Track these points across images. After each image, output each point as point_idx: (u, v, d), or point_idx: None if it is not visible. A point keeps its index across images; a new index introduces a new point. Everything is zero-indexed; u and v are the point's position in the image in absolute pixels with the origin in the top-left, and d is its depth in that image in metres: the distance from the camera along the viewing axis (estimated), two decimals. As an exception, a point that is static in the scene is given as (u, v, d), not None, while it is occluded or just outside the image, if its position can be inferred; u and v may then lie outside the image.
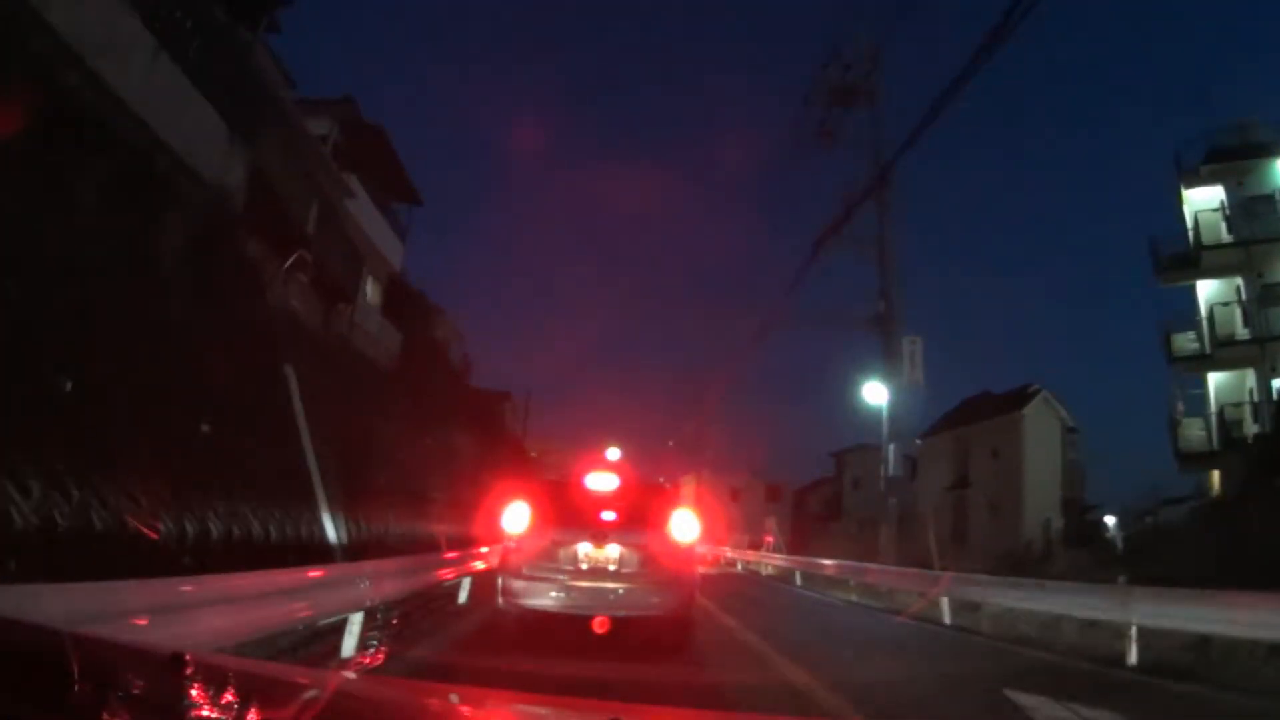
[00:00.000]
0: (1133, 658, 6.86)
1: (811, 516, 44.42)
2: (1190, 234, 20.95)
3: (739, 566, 27.28)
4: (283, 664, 3.10)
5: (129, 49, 9.02)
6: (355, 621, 5.33)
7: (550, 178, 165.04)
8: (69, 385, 5.49)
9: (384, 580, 5.81)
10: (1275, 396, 18.34)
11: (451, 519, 15.06)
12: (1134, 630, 6.94)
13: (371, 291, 20.30)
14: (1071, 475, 28.76)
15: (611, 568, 6.24)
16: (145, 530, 5.80)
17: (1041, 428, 28.53)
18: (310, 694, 1.35)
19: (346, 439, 10.76)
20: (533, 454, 34.56)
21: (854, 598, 14.58)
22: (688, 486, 40.32)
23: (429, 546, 11.37)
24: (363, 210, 19.52)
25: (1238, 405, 19.49)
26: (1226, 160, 20.58)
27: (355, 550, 9.14)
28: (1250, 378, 19.59)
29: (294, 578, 4.65)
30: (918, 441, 31.75)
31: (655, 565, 6.28)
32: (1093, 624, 7.98)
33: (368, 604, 5.46)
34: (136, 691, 0.99)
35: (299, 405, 9.24)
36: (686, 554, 6.66)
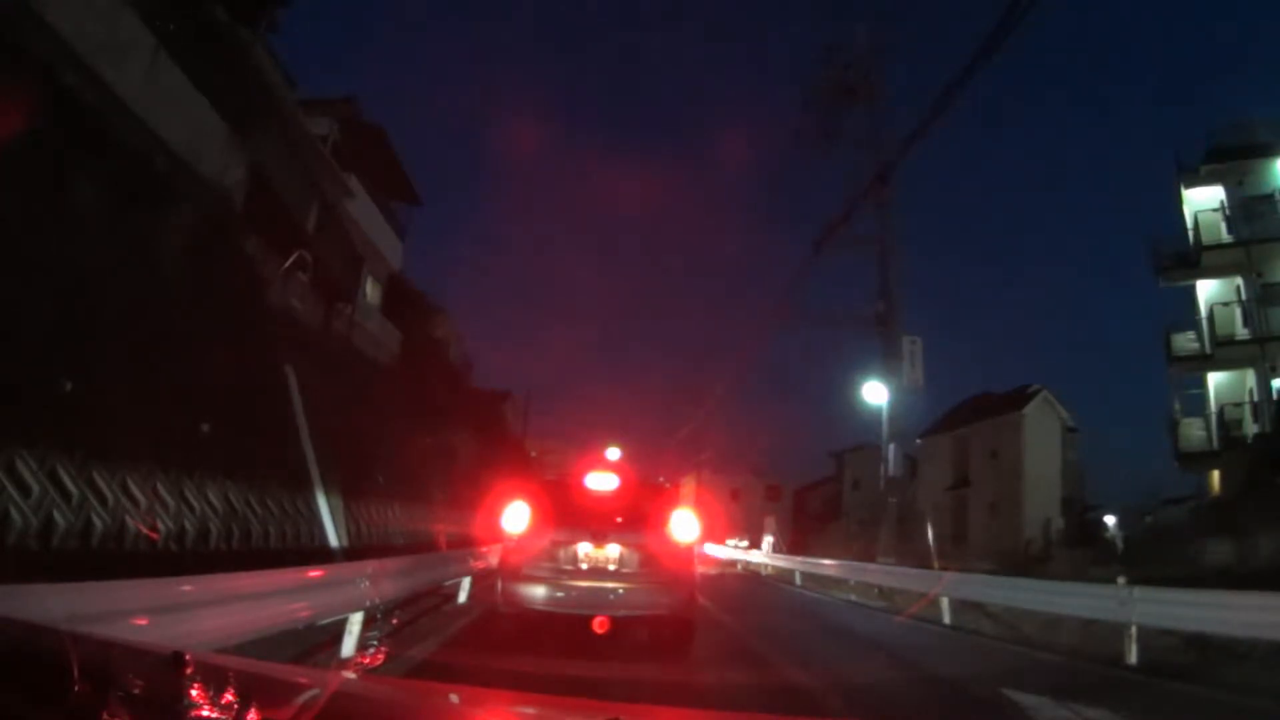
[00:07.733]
0: (1133, 657, 6.87)
1: (811, 516, 44.39)
2: (1190, 234, 20.93)
3: (739, 566, 27.28)
4: (283, 664, 3.10)
5: (128, 48, 9.02)
6: (355, 621, 5.33)
7: (551, 177, 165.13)
8: (69, 385, 5.49)
9: (384, 580, 5.81)
10: (1275, 396, 18.34)
11: (451, 518, 15.07)
12: (1134, 630, 6.94)
13: (371, 291, 20.32)
14: (1071, 475, 28.72)
15: (611, 567, 6.24)
16: (145, 530, 5.81)
17: (1041, 428, 28.51)
18: (310, 694, 1.35)
19: (346, 438, 10.76)
20: (533, 454, 34.58)
21: (854, 597, 14.58)
22: (688, 486, 40.32)
23: (429, 546, 11.38)
24: (363, 210, 19.53)
25: (1238, 405, 19.49)
26: (1226, 160, 20.55)
27: (355, 550, 9.15)
28: (1250, 378, 19.58)
29: (294, 578, 4.64)
30: (918, 441, 31.80)
31: (655, 565, 6.27)
32: (1093, 623, 7.99)
33: (367, 604, 5.45)
34: (136, 691, 0.99)
35: (299, 404, 9.25)
36: (686, 554, 6.65)
